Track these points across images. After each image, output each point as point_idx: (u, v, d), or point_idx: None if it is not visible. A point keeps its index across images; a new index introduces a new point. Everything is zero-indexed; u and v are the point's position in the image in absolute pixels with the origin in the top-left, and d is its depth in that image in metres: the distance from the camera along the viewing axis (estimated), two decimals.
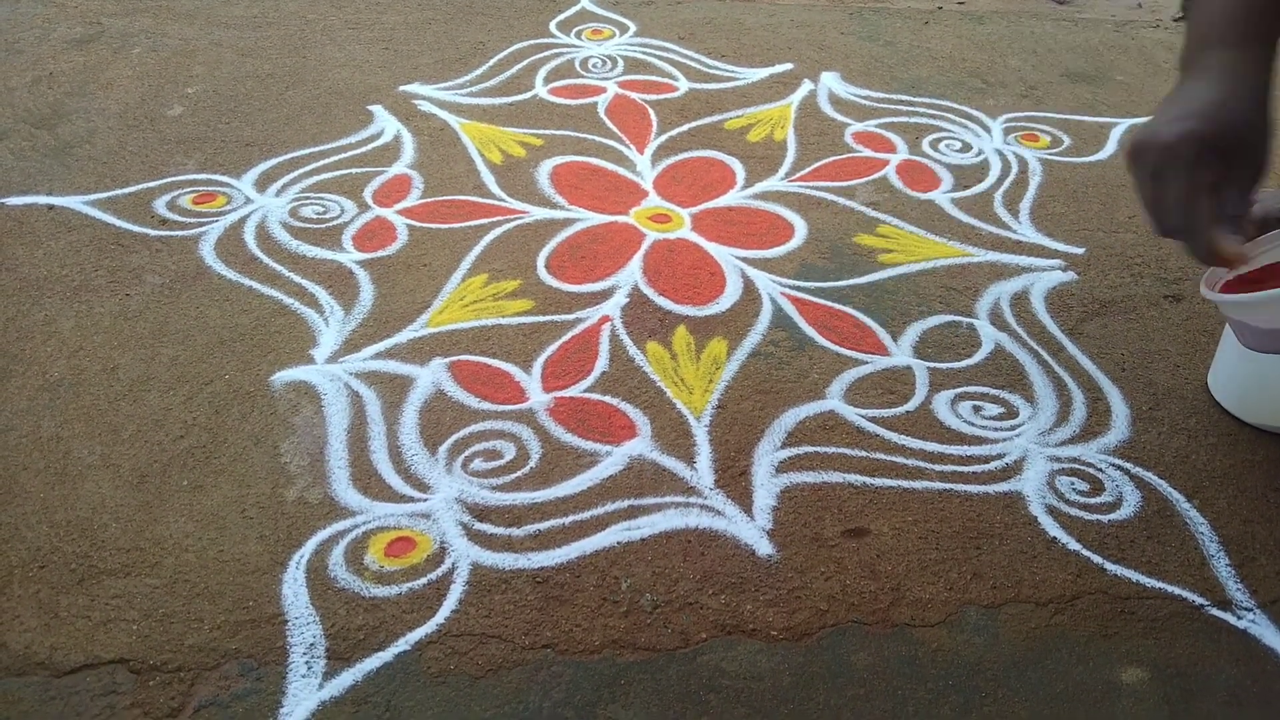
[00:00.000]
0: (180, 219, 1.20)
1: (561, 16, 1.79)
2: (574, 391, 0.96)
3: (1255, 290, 0.77)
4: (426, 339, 1.03)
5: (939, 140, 1.41)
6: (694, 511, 0.84)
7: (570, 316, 1.06)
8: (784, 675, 0.72)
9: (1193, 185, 0.68)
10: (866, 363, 1.01)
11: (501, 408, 0.94)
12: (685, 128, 1.43)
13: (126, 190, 1.25)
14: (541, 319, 1.06)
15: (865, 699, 0.71)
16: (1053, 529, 0.84)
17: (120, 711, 0.68)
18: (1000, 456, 0.90)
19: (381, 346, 1.01)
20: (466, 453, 0.89)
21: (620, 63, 1.62)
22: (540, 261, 1.15)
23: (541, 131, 1.42)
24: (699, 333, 1.04)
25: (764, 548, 0.81)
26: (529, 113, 1.47)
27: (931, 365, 1.01)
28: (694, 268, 1.14)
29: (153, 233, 1.18)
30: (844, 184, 1.32)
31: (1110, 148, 1.41)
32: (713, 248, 1.18)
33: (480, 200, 1.26)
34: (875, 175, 1.34)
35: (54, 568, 0.78)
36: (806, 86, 1.56)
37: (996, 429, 0.93)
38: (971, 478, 0.88)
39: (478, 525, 0.82)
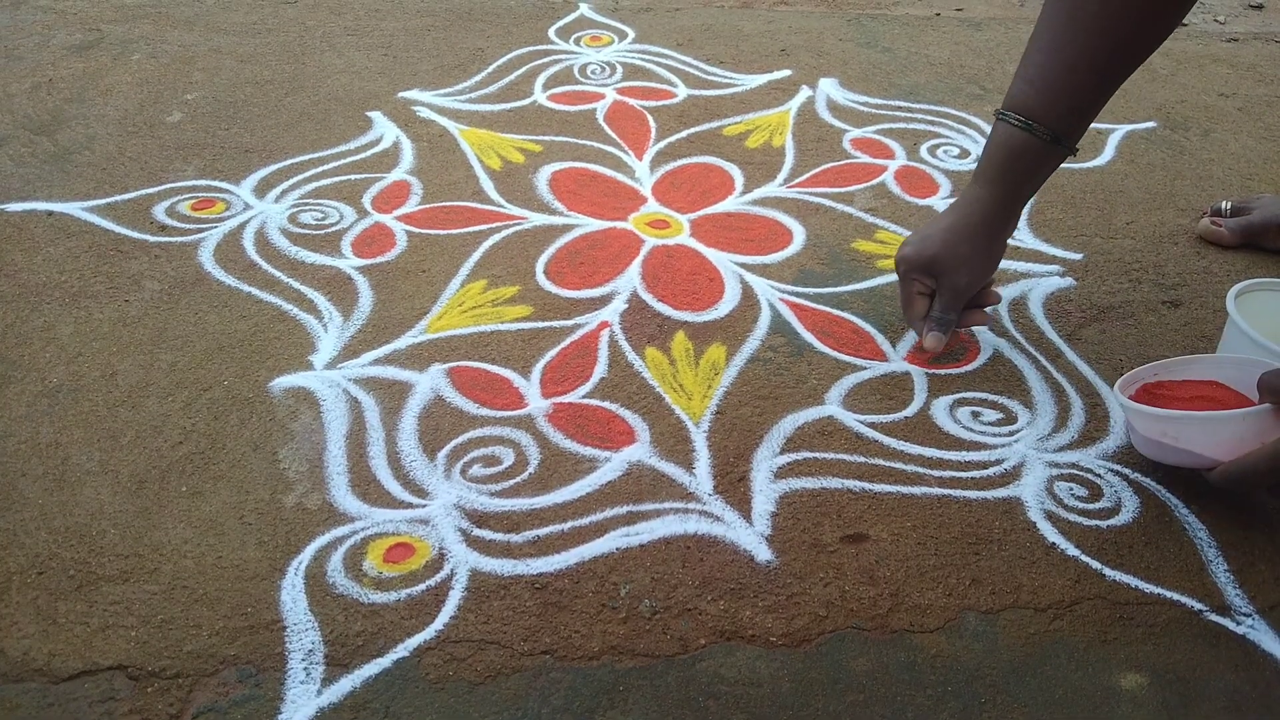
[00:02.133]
0: (179, 225, 1.21)
1: (560, 23, 1.79)
2: (573, 397, 0.96)
3: (1166, 405, 0.86)
4: (425, 345, 1.03)
5: (937, 146, 1.42)
6: (693, 517, 0.84)
7: (569, 322, 1.06)
8: (783, 681, 0.72)
9: (904, 293, 1.01)
10: (865, 368, 1.01)
11: (500, 414, 0.94)
12: (684, 134, 1.44)
13: (126, 196, 1.26)
14: (540, 325, 1.06)
15: (864, 705, 0.70)
16: (1051, 534, 0.84)
17: (119, 718, 0.68)
18: (999, 462, 0.91)
19: (380, 352, 1.02)
20: (465, 459, 0.89)
21: (619, 69, 1.62)
22: (539, 267, 1.15)
23: (540, 138, 1.42)
24: (698, 338, 1.04)
25: (763, 553, 0.81)
26: (528, 119, 1.47)
27: (930, 371, 1.01)
28: (693, 273, 1.14)
29: (152, 239, 1.18)
30: (842, 190, 1.32)
31: (1108, 154, 1.42)
32: (711, 253, 1.18)
33: (479, 206, 1.26)
34: (873, 181, 1.34)
35: (52, 574, 0.78)
36: (805, 93, 1.56)
37: (995, 435, 0.94)
38: (970, 483, 0.88)
39: (476, 531, 0.82)
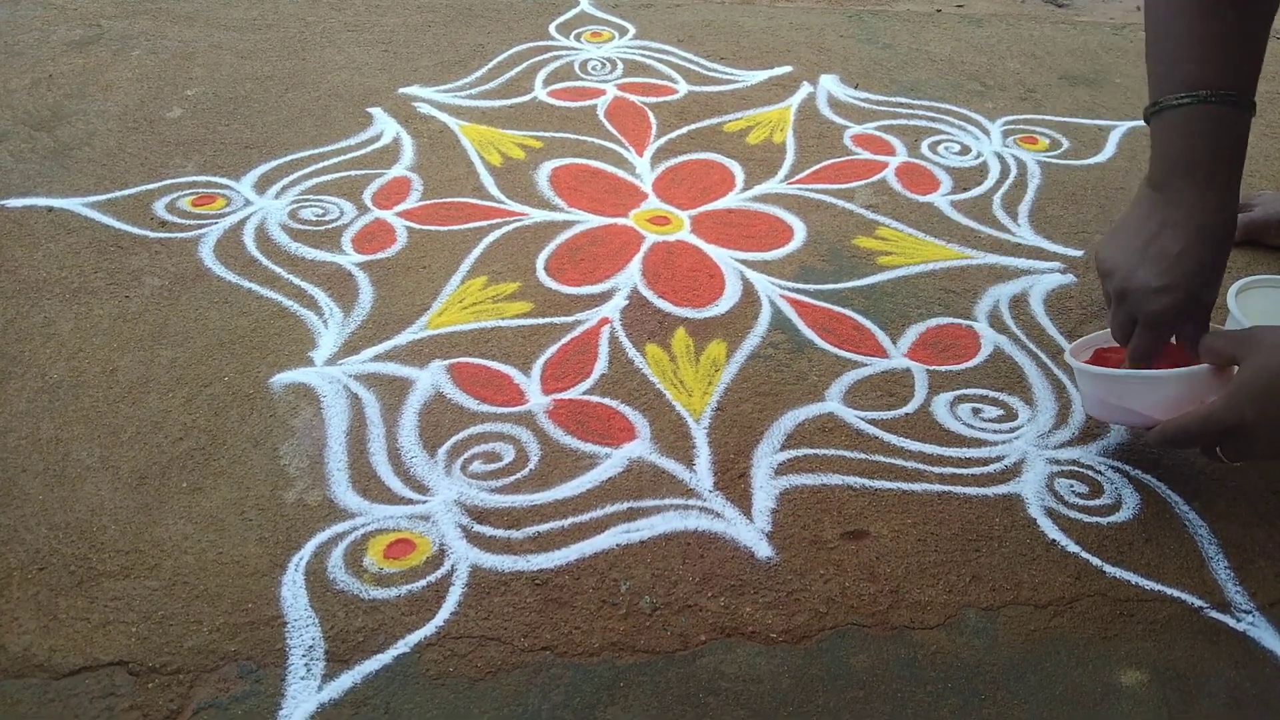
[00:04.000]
0: (180, 221, 1.20)
1: (561, 19, 1.79)
2: (573, 394, 0.96)
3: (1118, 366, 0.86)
4: (426, 341, 1.03)
5: (938, 143, 1.41)
6: (693, 514, 0.84)
7: (569, 319, 1.06)
8: (783, 678, 0.72)
9: (1157, 341, 0.82)
10: (865, 365, 1.01)
11: (501, 410, 0.94)
12: (684, 130, 1.44)
13: (126, 192, 1.25)
14: (541, 321, 1.06)
15: (864, 701, 0.71)
16: (1052, 531, 0.84)
17: (119, 714, 0.68)
18: (999, 459, 0.91)
19: (381, 349, 1.01)
20: (466, 455, 0.89)
21: (619, 65, 1.62)
22: (539, 264, 1.15)
23: (541, 134, 1.42)
24: (698, 335, 1.04)
25: (763, 550, 0.81)
26: (528, 115, 1.47)
27: (930, 367, 1.01)
28: (693, 270, 1.14)
29: (152, 235, 1.18)
30: (843, 186, 1.32)
31: (1109, 150, 1.41)
32: (712, 250, 1.18)
33: (479, 202, 1.26)
34: (874, 178, 1.34)
35: (53, 570, 0.78)
36: (805, 89, 1.56)
37: (996, 431, 0.94)
38: (971, 480, 0.88)
39: (477, 527, 0.82)
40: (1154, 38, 0.84)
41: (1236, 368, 0.76)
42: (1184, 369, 0.80)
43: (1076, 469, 0.89)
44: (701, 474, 0.88)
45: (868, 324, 1.07)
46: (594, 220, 1.23)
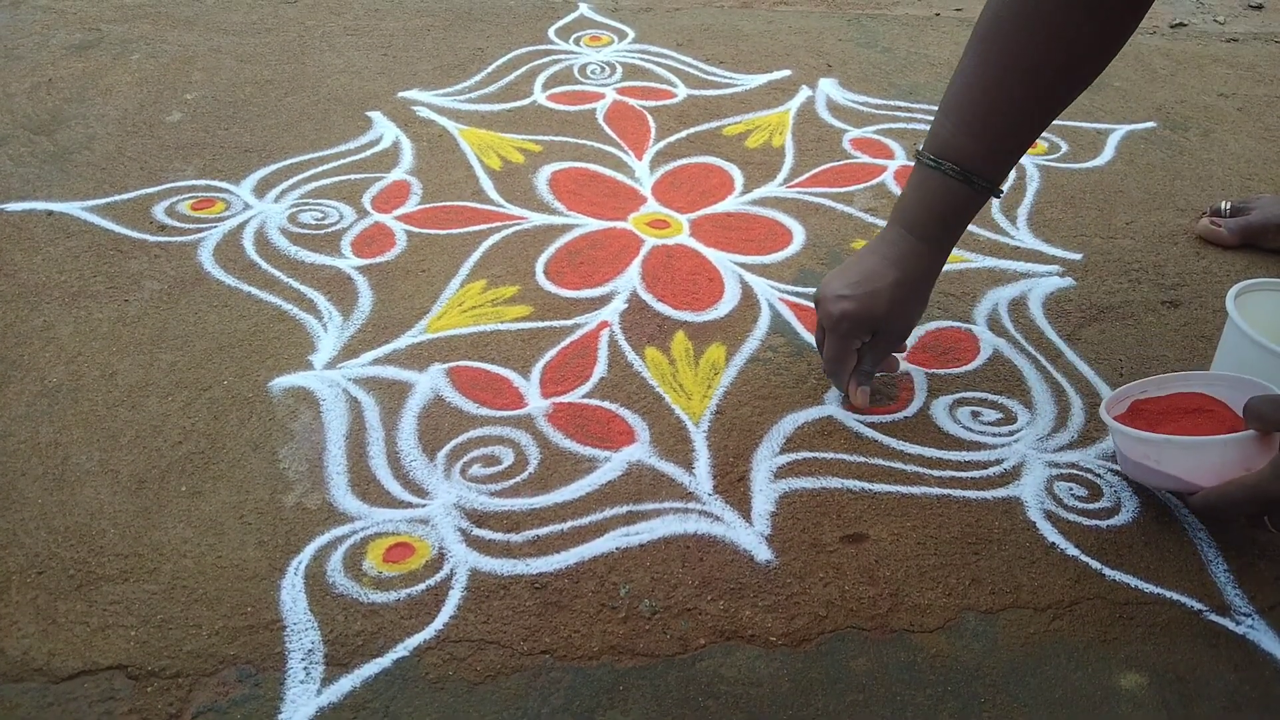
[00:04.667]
0: (179, 225, 1.20)
1: (560, 23, 1.79)
2: (572, 397, 0.96)
3: (1155, 425, 0.85)
4: (425, 345, 1.03)
5: None
6: (692, 517, 0.84)
7: (569, 322, 1.06)
8: (783, 681, 0.72)
9: (840, 350, 0.92)
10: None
11: (500, 413, 0.94)
12: (684, 134, 1.44)
13: (125, 196, 1.26)
14: (540, 325, 1.06)
15: (864, 705, 0.70)
16: (1051, 534, 0.84)
17: (118, 717, 0.68)
18: (999, 462, 0.91)
19: (380, 352, 1.02)
20: (465, 458, 0.89)
21: (619, 69, 1.62)
22: (539, 267, 1.15)
23: (540, 138, 1.42)
24: (697, 338, 1.04)
25: (762, 553, 0.81)
26: (528, 119, 1.47)
27: (930, 370, 1.01)
28: (692, 273, 1.14)
29: (151, 239, 1.18)
30: (842, 190, 1.32)
31: (1108, 154, 1.42)
32: (711, 253, 1.18)
33: (479, 206, 1.26)
34: (873, 181, 1.34)
35: (52, 574, 0.78)
36: (804, 93, 1.56)
37: (995, 434, 0.94)
38: (970, 483, 0.88)
39: (476, 531, 0.82)
40: (952, 78, 0.87)
41: None
42: (1226, 436, 0.78)
43: (1076, 472, 0.90)
44: (701, 477, 0.88)
45: None
46: (593, 224, 1.23)
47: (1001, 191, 0.89)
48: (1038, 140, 1.43)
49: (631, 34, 1.76)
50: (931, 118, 1.48)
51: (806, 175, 1.35)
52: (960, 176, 0.86)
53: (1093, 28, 0.79)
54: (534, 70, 1.61)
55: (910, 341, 1.04)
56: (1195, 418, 0.85)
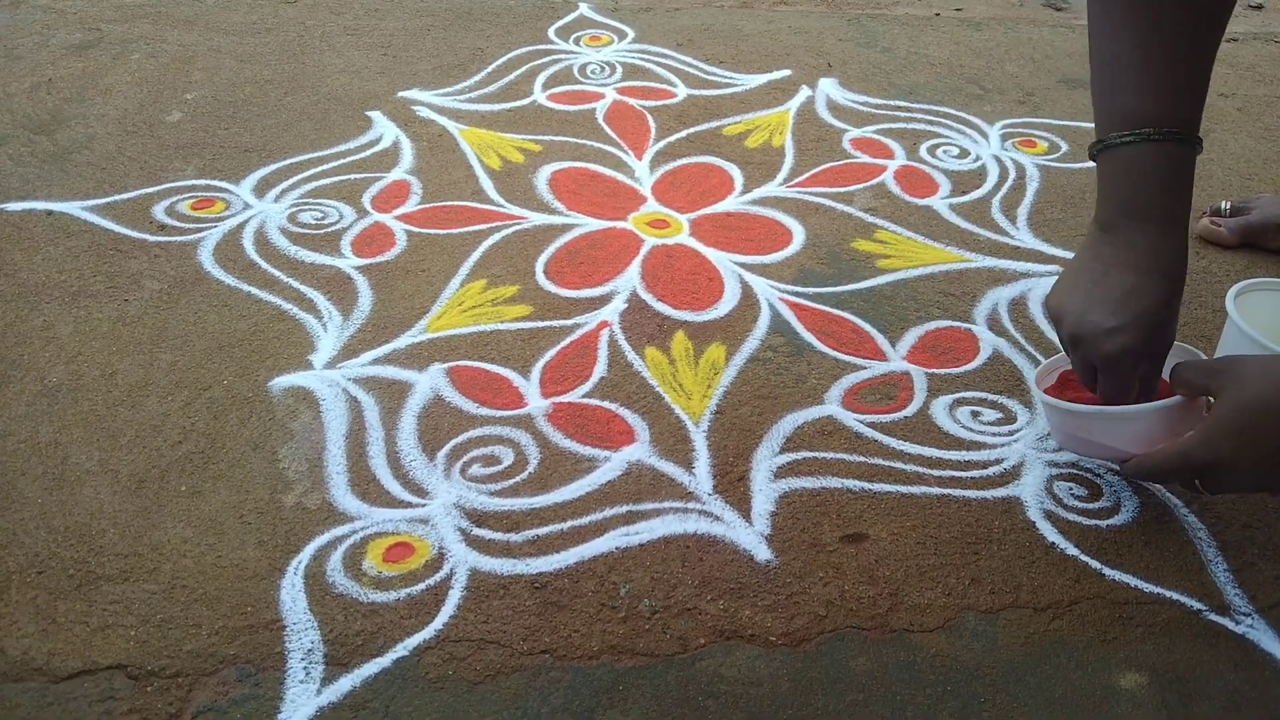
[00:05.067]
0: (179, 224, 1.20)
1: (560, 23, 1.79)
2: (572, 397, 0.96)
3: (1084, 393, 0.85)
4: (425, 345, 1.03)
5: (937, 146, 1.42)
6: (692, 517, 0.84)
7: (569, 322, 1.06)
8: (782, 681, 0.72)
9: (1126, 385, 0.80)
10: (865, 368, 1.01)
11: (500, 413, 0.94)
12: (683, 134, 1.44)
13: (125, 196, 1.26)
14: (540, 324, 1.06)
15: (864, 704, 0.70)
16: (1051, 534, 0.84)
17: (118, 717, 0.68)
18: (999, 462, 0.91)
19: (380, 352, 1.01)
20: (465, 458, 0.89)
21: (619, 69, 1.62)
22: (539, 267, 1.15)
23: (540, 137, 1.42)
24: (697, 338, 1.04)
25: (762, 553, 0.81)
26: (527, 119, 1.47)
27: (930, 370, 1.01)
28: (692, 273, 1.14)
29: (151, 238, 1.18)
30: (842, 190, 1.32)
31: None
32: (711, 253, 1.18)
33: (479, 206, 1.26)
34: (873, 181, 1.34)
35: (52, 573, 0.78)
36: (804, 93, 1.56)
37: (995, 434, 0.94)
38: (970, 483, 0.88)
39: (476, 531, 0.82)
40: (1098, 64, 0.82)
41: (1210, 399, 0.75)
42: (1155, 403, 0.78)
43: (1076, 472, 0.89)
44: (701, 477, 0.88)
45: (867, 327, 1.07)
46: (593, 224, 1.23)
47: (1200, 142, 0.80)
48: (1038, 140, 1.43)
49: (631, 34, 1.76)
50: (932, 117, 1.49)
51: (806, 175, 1.35)
52: (1174, 138, 0.78)
53: None
54: (534, 70, 1.61)
55: (911, 342, 1.04)
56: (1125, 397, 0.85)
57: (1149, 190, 0.79)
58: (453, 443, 0.91)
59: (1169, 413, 0.78)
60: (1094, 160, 0.82)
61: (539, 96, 1.53)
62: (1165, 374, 0.82)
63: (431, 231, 1.21)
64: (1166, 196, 0.80)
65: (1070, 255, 1.19)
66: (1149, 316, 0.78)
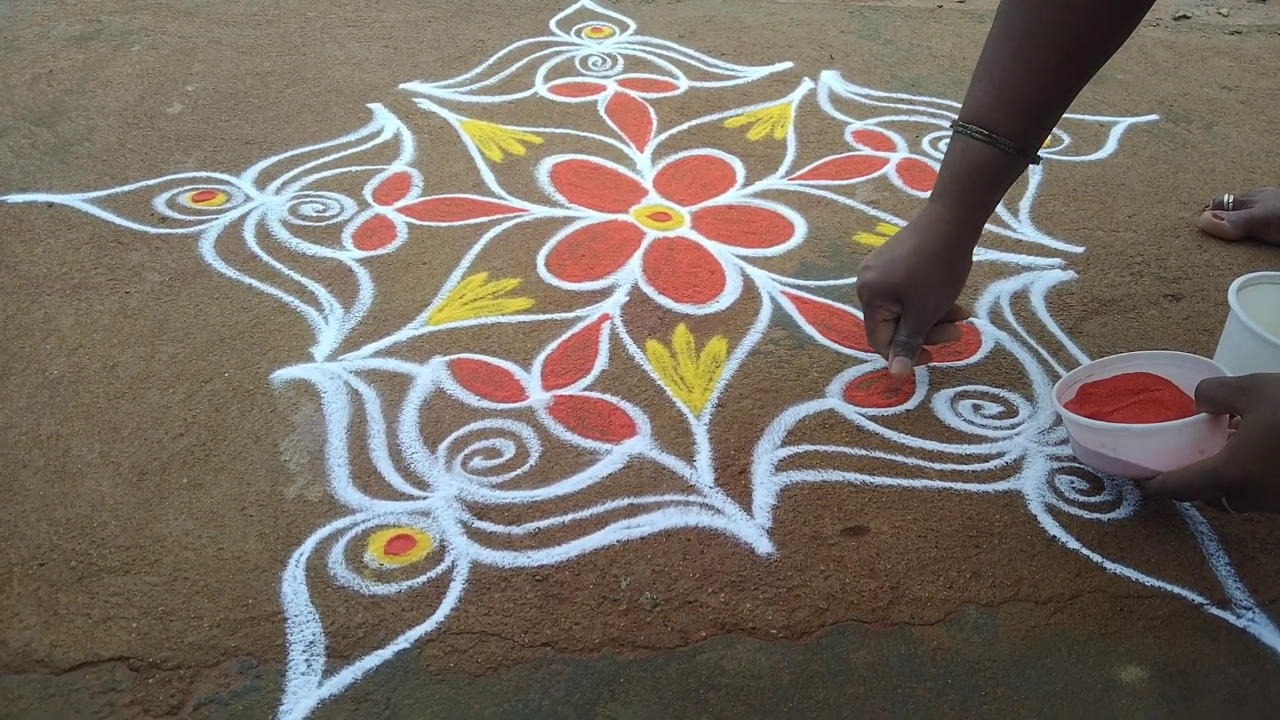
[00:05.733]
0: (180, 217, 1.20)
1: (561, 14, 1.79)
2: (574, 390, 0.96)
3: (1105, 408, 0.86)
4: (426, 337, 1.03)
5: (939, 139, 1.41)
6: (693, 510, 0.84)
7: (570, 315, 1.06)
8: (783, 673, 0.72)
9: (869, 319, 0.95)
10: (866, 361, 1.01)
11: (501, 406, 0.94)
12: (685, 126, 1.43)
13: (126, 188, 1.25)
14: (541, 317, 1.06)
15: (865, 697, 0.71)
16: (1052, 527, 0.84)
17: (120, 709, 0.68)
18: (1000, 455, 0.91)
19: (381, 344, 1.01)
20: (466, 451, 0.89)
21: (620, 61, 1.62)
22: (540, 260, 1.15)
23: (541, 129, 1.42)
24: (699, 331, 1.04)
25: (763, 546, 0.81)
26: (529, 111, 1.47)
27: (931, 364, 1.01)
28: (694, 266, 1.14)
29: (152, 230, 1.18)
30: (844, 182, 1.32)
31: (1110, 147, 1.41)
32: (713, 246, 1.18)
33: (480, 198, 1.26)
34: (875, 174, 1.34)
35: (53, 565, 0.78)
36: (806, 85, 1.56)
37: (996, 428, 0.94)
38: (971, 476, 0.88)
39: (477, 523, 0.82)
40: (983, 53, 0.87)
41: (1235, 416, 0.75)
42: (1181, 420, 0.78)
43: (1077, 465, 0.89)
44: (702, 470, 0.88)
45: None
46: (594, 216, 1.23)
47: (1039, 159, 0.90)
48: None
49: (633, 26, 1.76)
50: (934, 110, 1.48)
51: (808, 168, 1.35)
52: (986, 139, 0.87)
53: None
54: (535, 62, 1.61)
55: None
56: (1142, 398, 0.85)
57: (954, 177, 0.91)
58: (454, 435, 0.91)
59: (1194, 430, 0.77)
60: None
61: (540, 89, 1.53)
62: (1187, 387, 0.82)
63: (433, 224, 1.21)
64: (962, 185, 0.90)
65: (1073, 248, 1.19)
66: (896, 264, 0.91)
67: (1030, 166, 1.35)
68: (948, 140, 1.39)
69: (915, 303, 0.92)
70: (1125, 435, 0.81)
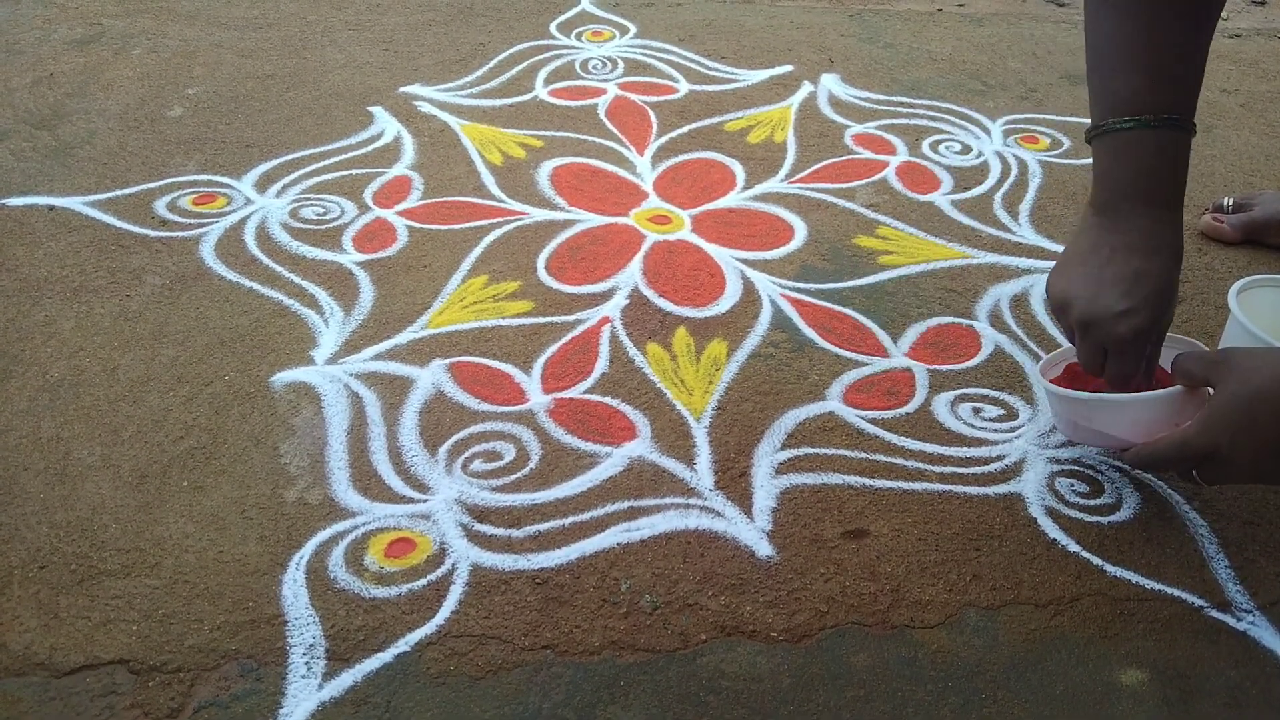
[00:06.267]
0: (180, 220, 1.20)
1: (562, 18, 1.79)
2: (574, 393, 0.96)
3: (1090, 385, 0.85)
4: (426, 340, 1.03)
5: (939, 142, 1.41)
6: (694, 513, 0.84)
7: (570, 318, 1.06)
8: (783, 676, 0.72)
9: (1136, 364, 0.81)
10: (866, 364, 1.01)
11: (501, 409, 0.94)
12: (685, 129, 1.44)
13: (127, 191, 1.26)
14: (541, 320, 1.06)
15: (865, 700, 0.71)
16: (1052, 531, 0.84)
17: (120, 712, 0.68)
18: (1000, 458, 0.91)
19: (381, 348, 1.01)
20: (466, 454, 0.89)
21: (620, 64, 1.62)
22: (540, 263, 1.15)
23: (542, 133, 1.42)
24: (699, 334, 1.04)
25: (764, 549, 0.81)
26: (529, 114, 1.47)
27: (931, 367, 1.01)
28: (694, 269, 1.14)
29: (153, 233, 1.18)
30: (844, 186, 1.32)
31: None
32: (713, 249, 1.18)
33: (480, 202, 1.26)
34: (875, 177, 1.34)
35: (54, 568, 0.78)
36: (806, 88, 1.56)
37: (996, 431, 0.94)
38: (971, 479, 0.88)
39: (477, 526, 0.82)
40: (1095, 52, 0.82)
41: (1209, 390, 0.75)
42: (1155, 392, 0.79)
43: (1077, 468, 0.89)
44: (702, 473, 0.88)
45: (868, 323, 1.07)
46: (595, 219, 1.23)
47: (1195, 127, 0.82)
48: (1040, 135, 1.43)
49: (633, 29, 1.76)
50: (934, 113, 1.49)
51: (808, 171, 1.35)
52: (1169, 124, 0.79)
53: None
54: (536, 65, 1.61)
55: (912, 339, 1.04)
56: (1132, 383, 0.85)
57: (1150, 174, 0.80)
58: (454, 438, 0.91)
59: (1170, 401, 0.78)
60: (1089, 144, 0.83)
61: (541, 92, 1.53)
62: (1167, 365, 0.83)
63: (433, 227, 1.21)
64: (1167, 180, 0.81)
65: None
66: (1159, 296, 0.79)
67: (1031, 168, 1.36)
68: (950, 143, 1.41)
69: (1164, 334, 0.84)
70: (1101, 405, 0.82)
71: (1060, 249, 1.19)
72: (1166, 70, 0.79)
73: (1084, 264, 0.82)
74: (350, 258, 1.15)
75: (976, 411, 0.96)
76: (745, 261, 1.16)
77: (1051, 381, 0.87)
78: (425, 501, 0.85)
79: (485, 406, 0.94)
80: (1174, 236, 0.81)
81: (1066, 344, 0.96)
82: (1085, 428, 0.84)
